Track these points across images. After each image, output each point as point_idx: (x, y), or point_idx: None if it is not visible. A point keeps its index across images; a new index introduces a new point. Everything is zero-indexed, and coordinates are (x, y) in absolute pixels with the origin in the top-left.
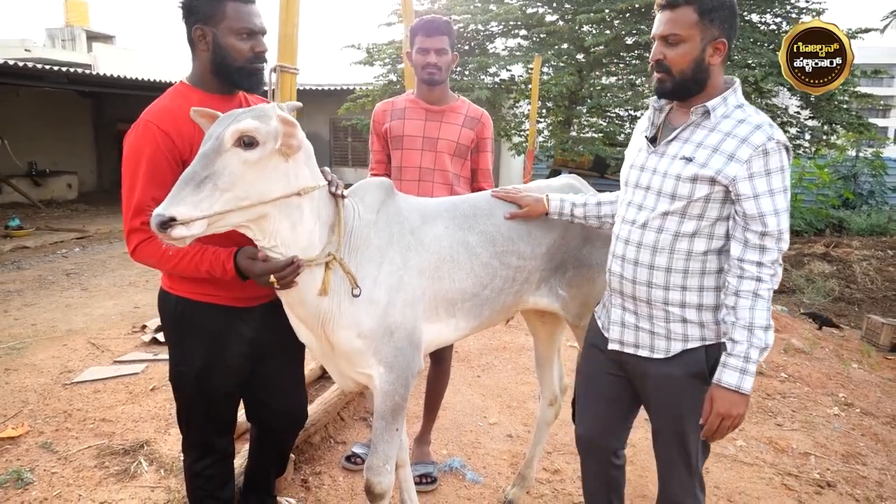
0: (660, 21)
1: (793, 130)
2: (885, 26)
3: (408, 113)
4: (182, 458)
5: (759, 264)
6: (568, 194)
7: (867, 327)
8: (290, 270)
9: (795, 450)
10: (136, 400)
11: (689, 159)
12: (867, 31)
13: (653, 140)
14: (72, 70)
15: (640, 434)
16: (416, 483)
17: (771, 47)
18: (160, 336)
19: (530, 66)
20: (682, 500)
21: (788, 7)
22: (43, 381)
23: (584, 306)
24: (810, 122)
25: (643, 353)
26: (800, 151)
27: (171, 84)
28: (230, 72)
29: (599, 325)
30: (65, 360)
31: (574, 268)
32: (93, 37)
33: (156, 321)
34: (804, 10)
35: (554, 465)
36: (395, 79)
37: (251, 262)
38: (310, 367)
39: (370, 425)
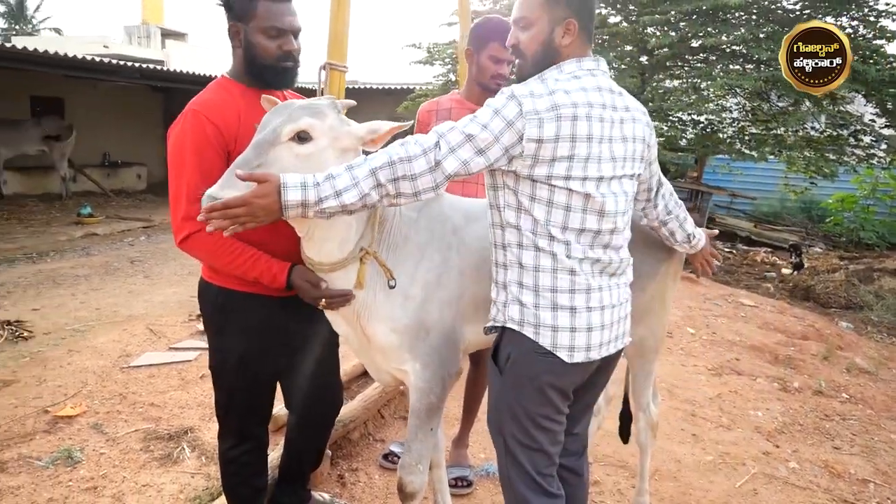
0: (514, 7)
1: (867, 139)
2: None
3: (454, 113)
4: (218, 446)
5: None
6: None
7: None
8: (340, 300)
9: (853, 475)
10: (185, 387)
11: None
12: None
13: None
14: (144, 66)
15: (687, 449)
16: (451, 486)
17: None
18: None
19: None
20: None
21: (866, 10)
22: (102, 364)
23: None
24: (886, 131)
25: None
26: (874, 161)
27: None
28: (259, 69)
29: None
30: (124, 345)
31: None
32: (167, 34)
33: None
34: (883, 13)
35: (594, 476)
36: (453, 78)
37: (308, 286)
38: (353, 363)
39: None
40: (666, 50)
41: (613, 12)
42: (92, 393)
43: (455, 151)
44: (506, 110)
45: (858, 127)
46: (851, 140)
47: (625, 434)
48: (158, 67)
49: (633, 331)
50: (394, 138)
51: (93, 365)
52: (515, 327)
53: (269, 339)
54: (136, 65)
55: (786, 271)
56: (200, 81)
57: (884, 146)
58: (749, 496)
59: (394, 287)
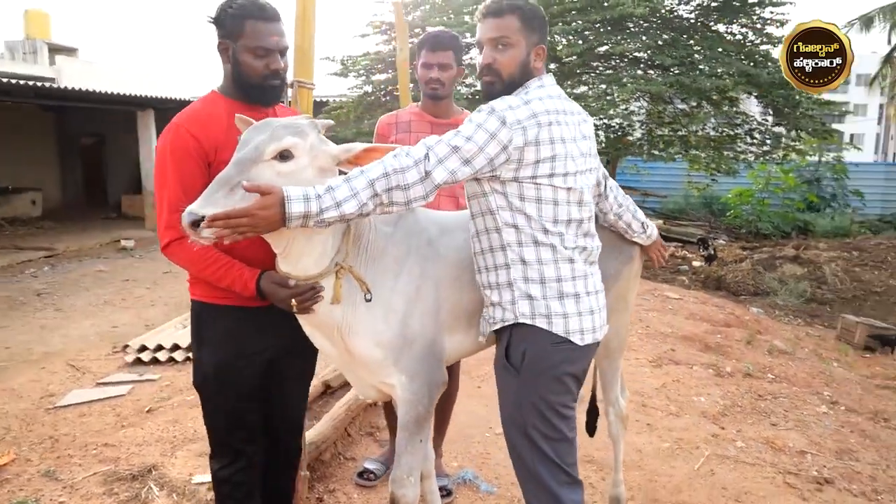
0: (487, 27)
1: (759, 137)
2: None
3: (413, 126)
4: (194, 479)
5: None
6: None
7: (842, 327)
8: (310, 295)
9: (792, 448)
10: (131, 423)
11: None
12: None
13: None
14: (39, 84)
15: (645, 438)
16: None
17: (740, 57)
18: (144, 356)
19: None
20: None
21: (754, 17)
22: (24, 406)
23: None
24: (776, 129)
25: (481, 338)
26: (772, 157)
27: (138, 97)
28: (246, 86)
29: None
30: (45, 384)
31: None
32: (55, 49)
33: (138, 341)
34: (768, 21)
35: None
36: (369, 90)
37: (276, 287)
38: (312, 384)
39: (377, 440)
40: (575, 58)
41: None
42: (18, 439)
43: (443, 162)
44: (488, 124)
45: (752, 126)
46: (747, 138)
47: (591, 428)
48: (52, 85)
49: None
50: None
51: (13, 408)
52: (528, 321)
53: (245, 348)
54: (30, 83)
55: (697, 264)
56: (98, 99)
57: (769, 142)
58: (708, 477)
59: (370, 301)
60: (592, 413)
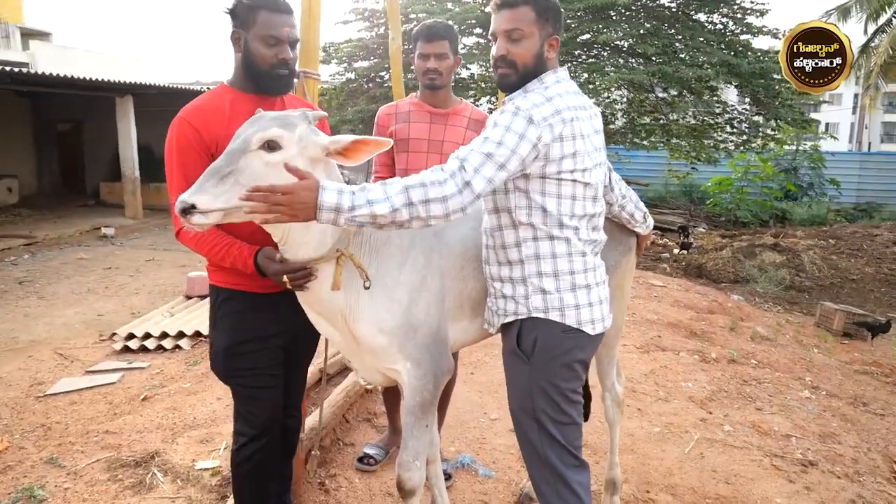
0: (501, 19)
1: (739, 126)
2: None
3: (412, 116)
4: (197, 465)
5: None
6: None
7: (820, 314)
8: (301, 274)
9: (777, 432)
10: (125, 410)
11: None
12: None
13: None
14: (16, 70)
15: (636, 423)
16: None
17: (721, 46)
18: (132, 344)
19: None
20: (540, 488)
21: (735, 7)
22: (13, 395)
23: None
24: (755, 118)
25: (490, 329)
26: (746, 147)
27: (117, 83)
28: (255, 75)
29: None
30: (33, 372)
31: None
32: (28, 34)
33: (125, 329)
34: (748, 11)
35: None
36: (352, 77)
37: (268, 261)
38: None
39: (375, 426)
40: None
41: None
42: (10, 427)
43: (479, 171)
44: (515, 125)
45: (733, 115)
46: (727, 127)
47: (585, 413)
48: (26, 70)
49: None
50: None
51: (3, 397)
52: (541, 315)
53: (255, 332)
54: (5, 68)
55: (677, 251)
56: (79, 85)
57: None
58: (698, 460)
59: (368, 288)
60: (585, 398)
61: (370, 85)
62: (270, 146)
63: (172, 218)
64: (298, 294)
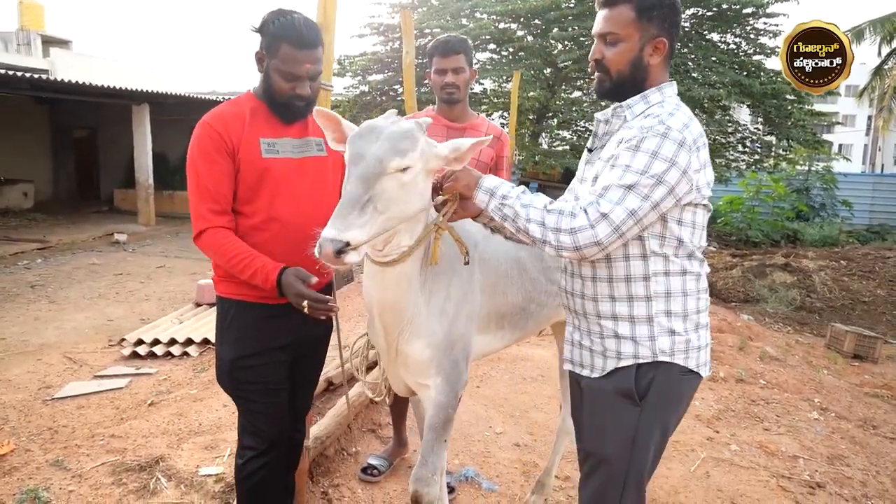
0: (598, 20)
1: (751, 145)
2: None
3: (430, 130)
4: (201, 472)
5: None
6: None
7: (831, 335)
8: (323, 307)
9: (785, 453)
10: (132, 416)
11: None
12: None
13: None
14: (35, 76)
15: None
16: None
17: (733, 66)
18: (140, 349)
19: (503, 79)
20: None
21: (748, 28)
22: (21, 398)
23: None
24: (767, 138)
25: (584, 371)
26: (757, 166)
27: (133, 91)
28: (272, 99)
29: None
30: (41, 376)
31: None
32: (48, 41)
33: (135, 335)
34: (762, 32)
35: (564, 472)
36: (366, 90)
37: (296, 281)
38: None
39: (379, 437)
40: (571, 63)
41: (520, 27)
42: (16, 429)
43: (620, 203)
44: (665, 150)
45: (745, 134)
46: (739, 147)
47: None
48: (46, 77)
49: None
50: None
51: (10, 399)
52: (666, 358)
53: (264, 345)
54: (26, 74)
55: None
56: (96, 92)
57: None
58: (703, 479)
59: (468, 264)
60: None
61: (383, 98)
62: (404, 168)
63: (193, 221)
64: (375, 301)
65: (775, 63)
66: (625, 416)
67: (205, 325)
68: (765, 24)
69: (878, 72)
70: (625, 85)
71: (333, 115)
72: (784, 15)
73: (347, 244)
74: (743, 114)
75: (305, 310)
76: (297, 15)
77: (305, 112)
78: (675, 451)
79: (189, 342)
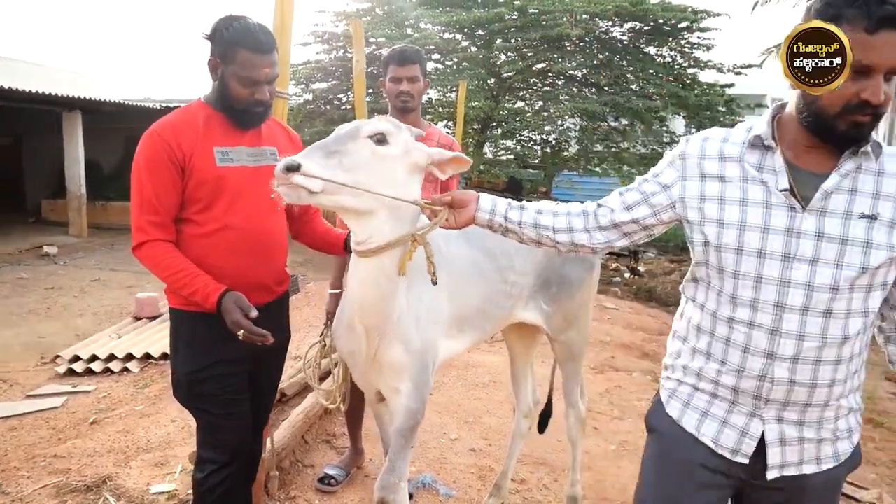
0: (888, 47)
1: None
2: (762, 61)
3: None
4: (152, 489)
5: None
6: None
7: None
8: (257, 338)
9: None
10: (71, 435)
11: (872, 217)
12: (748, 67)
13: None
14: None
15: (593, 441)
16: None
17: (670, 79)
18: (77, 366)
19: (448, 89)
20: None
21: (683, 42)
22: None
23: (565, 320)
24: None
25: (808, 469)
26: None
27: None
28: (229, 107)
29: (710, 440)
30: None
31: (557, 284)
32: None
33: (70, 351)
34: (695, 46)
35: (519, 475)
36: (310, 98)
37: (235, 309)
38: None
39: (334, 447)
40: (514, 74)
41: (464, 38)
42: None
43: None
44: None
45: None
46: None
47: (542, 426)
48: None
49: (565, 335)
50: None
51: None
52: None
53: (221, 356)
54: None
55: (627, 275)
56: (22, 98)
57: None
58: None
59: (436, 284)
60: (547, 413)
61: (328, 107)
62: (379, 139)
63: (133, 232)
64: (355, 299)
65: (709, 76)
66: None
67: (145, 339)
68: (698, 38)
69: None
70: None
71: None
72: (716, 28)
73: (299, 166)
74: (679, 125)
75: (240, 337)
76: (250, 20)
77: (263, 117)
78: (624, 452)
79: (129, 357)
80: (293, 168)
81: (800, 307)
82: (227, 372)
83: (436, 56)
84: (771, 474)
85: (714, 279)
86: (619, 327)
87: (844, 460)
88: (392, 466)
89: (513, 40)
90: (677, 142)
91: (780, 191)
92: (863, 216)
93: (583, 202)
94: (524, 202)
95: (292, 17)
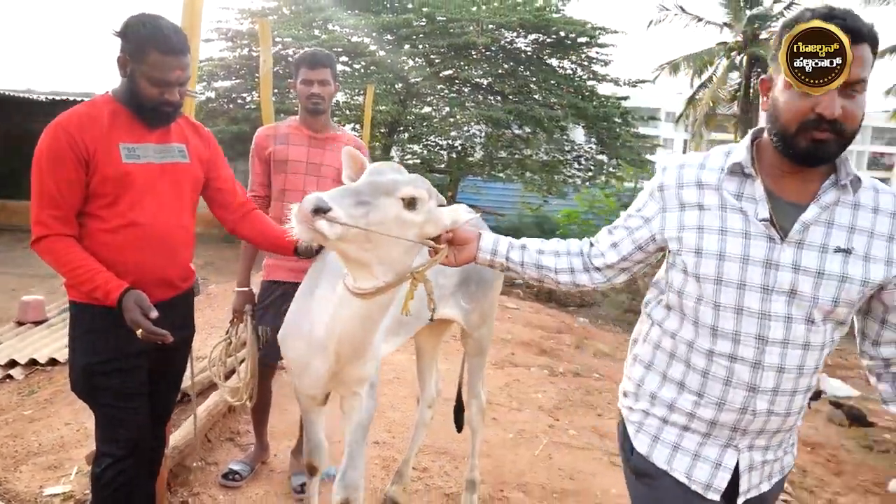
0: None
1: (585, 163)
2: (656, 77)
3: (291, 139)
4: (45, 492)
5: None
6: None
7: None
8: (156, 337)
9: (615, 434)
10: None
11: (847, 251)
12: (643, 82)
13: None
14: None
15: (492, 431)
16: (298, 490)
17: (570, 90)
18: None
19: (356, 92)
20: None
21: (583, 55)
22: None
23: (481, 317)
24: (599, 157)
25: (765, 487)
26: (591, 182)
27: None
28: (138, 106)
29: (682, 474)
30: None
31: (476, 283)
32: None
33: None
34: (594, 60)
35: (422, 464)
36: (212, 96)
37: (135, 308)
38: None
39: (238, 445)
40: (421, 80)
41: (372, 42)
42: None
43: None
44: None
45: (580, 153)
46: (575, 164)
47: (459, 424)
48: None
49: (479, 331)
50: None
51: None
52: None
53: (121, 349)
54: None
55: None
56: None
57: (592, 167)
58: (546, 461)
59: (433, 321)
60: (459, 410)
61: (230, 106)
62: (410, 203)
63: (32, 226)
64: (338, 324)
65: (607, 89)
66: None
67: (30, 345)
68: (597, 52)
69: (692, 101)
70: (846, 147)
71: (362, 158)
72: (612, 45)
73: (328, 210)
74: (578, 134)
75: (139, 335)
76: (163, 20)
77: (173, 117)
78: (521, 439)
79: (13, 364)
80: (322, 210)
81: (780, 340)
82: (127, 366)
83: (344, 59)
84: (739, 501)
85: (690, 309)
86: (519, 326)
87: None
88: (354, 463)
89: (420, 46)
90: (578, 150)
91: (760, 220)
92: (838, 250)
93: (483, 209)
94: (524, 240)
95: (201, 16)
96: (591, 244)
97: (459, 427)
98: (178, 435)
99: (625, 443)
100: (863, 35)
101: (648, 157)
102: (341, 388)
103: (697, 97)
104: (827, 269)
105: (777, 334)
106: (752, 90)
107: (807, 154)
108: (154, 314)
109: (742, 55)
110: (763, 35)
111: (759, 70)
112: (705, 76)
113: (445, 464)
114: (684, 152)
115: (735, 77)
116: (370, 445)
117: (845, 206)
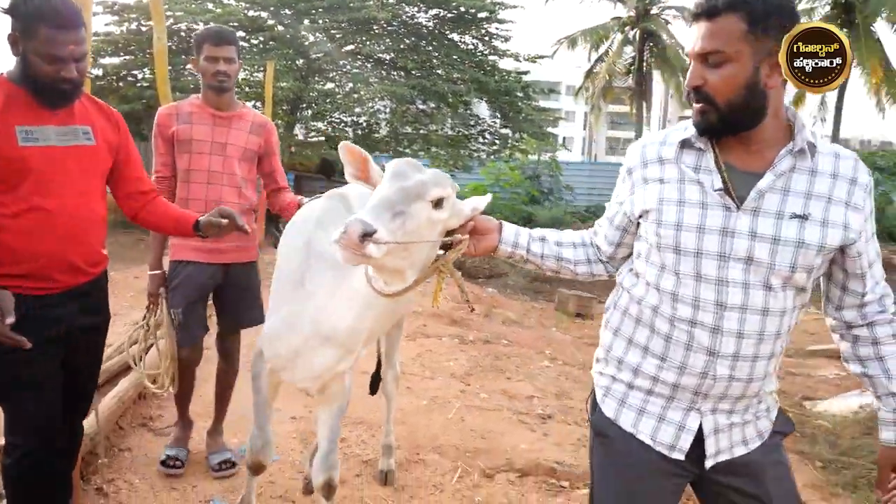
0: (695, 35)
1: (490, 137)
2: (555, 52)
3: (194, 118)
4: None
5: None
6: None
7: (558, 299)
8: (9, 342)
9: (522, 395)
10: None
11: (804, 216)
12: (542, 57)
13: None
14: None
15: (406, 400)
16: (217, 469)
17: (472, 65)
18: None
19: (255, 69)
20: None
21: (483, 31)
22: None
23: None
24: (503, 131)
25: (739, 451)
26: (496, 156)
27: None
28: (34, 85)
29: (647, 437)
30: None
31: None
32: None
33: None
34: (494, 36)
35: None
36: (99, 73)
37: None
38: None
39: (152, 430)
40: (323, 55)
41: (270, 16)
42: None
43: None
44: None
45: (484, 127)
46: (480, 139)
47: (374, 389)
48: None
49: (399, 310)
50: None
51: None
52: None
53: (32, 338)
54: None
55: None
56: None
57: (498, 142)
58: (459, 423)
59: (473, 311)
60: (376, 377)
61: (121, 84)
62: (437, 202)
63: None
64: (341, 300)
65: (508, 64)
66: (785, 456)
67: None
68: (497, 28)
69: (589, 74)
70: (737, 117)
71: (361, 152)
72: (512, 21)
73: (376, 231)
74: (482, 109)
75: None
76: None
77: (73, 96)
78: (434, 405)
79: None
80: (368, 234)
81: (739, 305)
82: (36, 355)
83: (240, 34)
84: (708, 463)
85: (653, 276)
86: (429, 299)
87: (776, 430)
88: (333, 446)
89: (321, 21)
90: (482, 125)
91: (715, 190)
92: (794, 216)
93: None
94: (539, 231)
95: None
96: (594, 237)
97: (373, 391)
98: (89, 422)
99: (593, 405)
100: (724, 6)
101: (550, 129)
102: (326, 372)
103: (595, 71)
104: (783, 236)
105: (735, 300)
106: (645, 63)
107: (697, 126)
108: (10, 319)
109: (635, 30)
110: (654, 11)
111: (651, 44)
112: (601, 50)
113: (363, 433)
114: (585, 124)
115: (629, 51)
116: (287, 421)
117: (802, 172)
